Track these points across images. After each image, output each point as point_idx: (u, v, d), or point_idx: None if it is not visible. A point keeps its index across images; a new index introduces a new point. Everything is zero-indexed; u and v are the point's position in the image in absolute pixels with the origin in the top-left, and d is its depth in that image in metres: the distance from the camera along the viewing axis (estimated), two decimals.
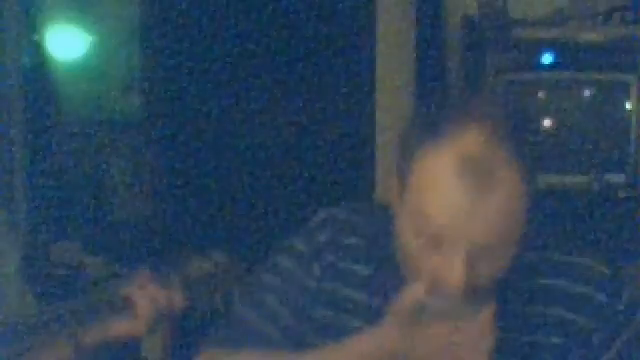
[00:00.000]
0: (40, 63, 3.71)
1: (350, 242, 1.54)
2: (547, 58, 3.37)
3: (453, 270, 1.33)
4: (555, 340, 1.44)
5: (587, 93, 3.32)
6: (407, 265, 1.41)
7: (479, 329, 1.34)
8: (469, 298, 1.35)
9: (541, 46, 3.36)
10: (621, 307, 1.46)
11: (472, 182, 1.30)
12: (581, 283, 1.46)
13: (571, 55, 3.34)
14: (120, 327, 1.62)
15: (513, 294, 1.44)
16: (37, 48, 3.70)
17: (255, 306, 1.57)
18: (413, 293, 1.36)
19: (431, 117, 1.37)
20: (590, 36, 3.32)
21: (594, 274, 1.47)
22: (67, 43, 3.77)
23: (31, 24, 3.68)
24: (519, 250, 1.38)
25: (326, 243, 1.54)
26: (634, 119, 3.23)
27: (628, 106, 3.25)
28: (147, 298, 1.61)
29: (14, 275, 1.80)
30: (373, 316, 1.46)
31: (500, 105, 1.41)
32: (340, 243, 1.54)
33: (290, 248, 1.58)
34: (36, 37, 3.70)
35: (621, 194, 3.23)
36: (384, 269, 1.49)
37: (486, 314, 1.34)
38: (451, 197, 1.31)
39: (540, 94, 3.37)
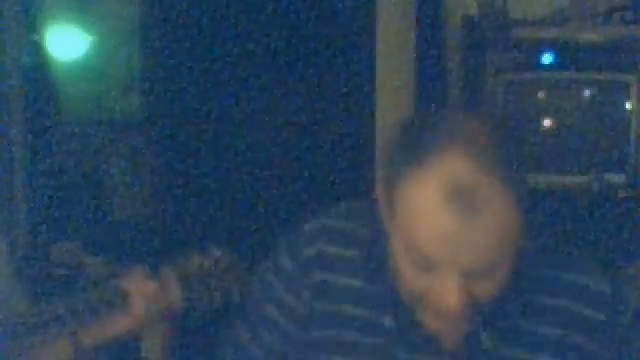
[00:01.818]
0: (40, 63, 3.71)
1: (342, 253, 1.51)
2: (547, 58, 3.36)
3: (448, 296, 1.31)
4: (554, 358, 1.44)
5: (587, 93, 3.32)
6: (401, 286, 1.39)
7: None
8: (465, 317, 1.34)
9: (541, 46, 3.36)
10: (622, 327, 1.45)
11: (459, 208, 1.27)
12: (581, 302, 1.44)
13: (571, 55, 3.34)
14: (116, 324, 1.62)
15: (511, 310, 1.43)
16: (37, 48, 3.70)
17: (252, 335, 1.58)
18: None
19: (413, 140, 1.33)
20: (590, 36, 3.32)
21: (594, 292, 1.45)
22: (67, 43, 3.77)
23: (31, 24, 3.68)
24: (515, 265, 1.37)
25: (314, 258, 1.52)
26: (634, 119, 3.23)
27: (628, 106, 3.25)
28: (141, 294, 1.61)
29: (14, 275, 1.80)
30: (369, 330, 1.46)
31: (486, 122, 1.36)
32: (330, 255, 1.52)
33: (279, 268, 1.56)
34: (36, 37, 3.70)
35: (621, 194, 3.23)
36: (378, 281, 1.47)
37: None
38: (439, 225, 1.28)
39: (540, 94, 3.37)
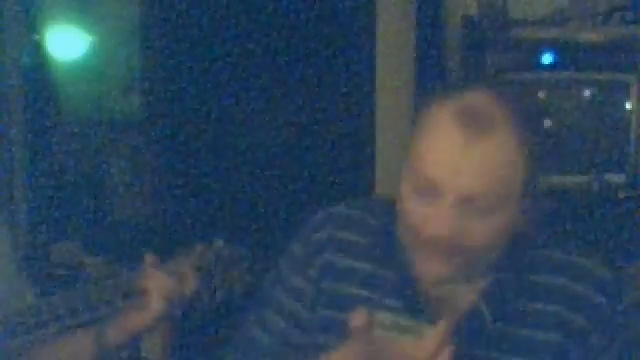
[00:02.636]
0: (40, 63, 3.71)
1: (350, 238, 1.55)
2: (547, 58, 3.36)
3: (439, 222, 1.35)
4: (553, 338, 1.45)
5: (587, 93, 3.32)
6: (403, 225, 1.43)
7: (433, 345, 1.34)
8: (452, 257, 1.36)
9: (541, 46, 3.36)
10: (620, 309, 1.47)
11: (465, 133, 1.34)
12: (581, 283, 1.46)
13: (571, 55, 3.34)
14: (135, 320, 1.62)
15: (512, 289, 1.44)
16: (37, 48, 3.70)
17: (262, 325, 1.60)
18: (362, 315, 1.36)
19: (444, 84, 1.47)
20: (590, 36, 3.31)
21: (595, 275, 1.48)
22: (67, 43, 3.77)
23: (31, 24, 3.68)
24: (517, 242, 1.38)
25: (324, 241, 1.56)
26: (634, 119, 3.23)
27: (628, 106, 3.25)
28: (158, 288, 1.61)
29: (14, 275, 1.80)
30: (376, 310, 1.46)
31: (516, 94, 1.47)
32: (339, 240, 1.55)
33: (289, 254, 1.60)
34: (36, 37, 3.70)
35: (621, 194, 3.23)
36: (385, 267, 1.49)
37: (439, 329, 1.34)
38: (443, 146, 1.35)
39: (540, 94, 3.37)
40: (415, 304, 1.45)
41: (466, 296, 1.40)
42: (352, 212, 1.58)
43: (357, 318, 1.36)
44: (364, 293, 1.50)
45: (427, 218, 1.37)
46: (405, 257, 1.44)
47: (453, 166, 1.34)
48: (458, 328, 1.41)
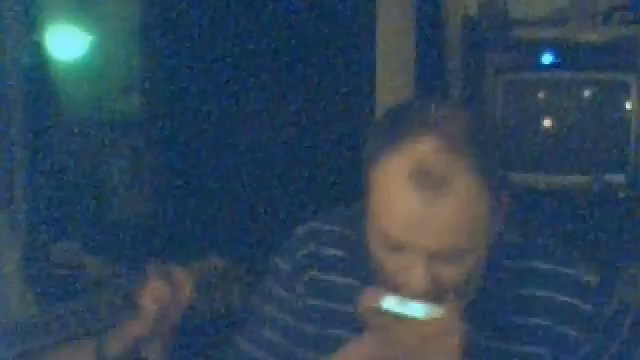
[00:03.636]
0: (40, 63, 3.71)
1: (333, 254, 1.55)
2: (547, 58, 3.37)
3: (414, 276, 1.34)
4: (543, 352, 1.44)
5: (587, 93, 3.32)
6: (377, 272, 1.42)
7: (443, 328, 1.34)
8: (435, 301, 1.35)
9: (541, 46, 3.36)
10: (609, 316, 1.46)
11: (424, 189, 1.31)
12: (567, 293, 1.45)
13: (571, 55, 3.34)
14: (131, 330, 1.62)
15: (498, 304, 1.44)
16: (37, 48, 3.70)
17: (252, 338, 1.60)
18: (371, 295, 1.36)
19: (386, 126, 1.38)
20: (590, 36, 3.32)
21: (579, 283, 1.46)
22: (67, 43, 3.77)
23: (31, 24, 3.68)
24: (488, 254, 1.38)
25: (308, 257, 1.56)
26: (634, 119, 3.23)
27: (628, 106, 3.25)
28: (152, 296, 1.61)
29: (14, 275, 1.80)
30: (360, 326, 1.46)
31: (461, 111, 1.39)
32: (322, 256, 1.55)
33: (275, 269, 1.60)
34: (36, 37, 3.69)
35: (621, 194, 3.23)
36: (369, 280, 1.48)
37: (449, 313, 1.34)
38: (404, 206, 1.32)
39: (540, 94, 3.37)
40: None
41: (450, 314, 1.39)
42: (332, 227, 1.57)
43: (367, 298, 1.36)
44: (348, 309, 1.49)
45: (402, 272, 1.36)
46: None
47: (417, 227, 1.32)
48: None
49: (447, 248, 1.33)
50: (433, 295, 1.35)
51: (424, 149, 1.32)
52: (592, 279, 1.47)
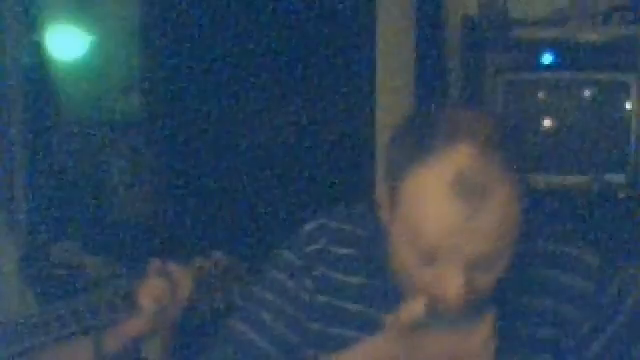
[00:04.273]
0: (40, 63, 3.71)
1: (342, 252, 1.54)
2: (547, 58, 3.36)
3: (451, 286, 1.34)
4: (546, 331, 1.45)
5: (587, 93, 3.32)
6: (402, 280, 1.41)
7: (479, 339, 1.35)
8: (468, 311, 1.35)
9: (541, 46, 3.36)
10: (610, 296, 1.47)
11: (464, 198, 1.31)
12: (570, 273, 1.47)
13: (571, 55, 3.34)
14: (129, 327, 1.62)
15: (510, 286, 1.44)
16: (37, 48, 3.70)
17: (250, 322, 1.58)
18: (412, 310, 1.36)
19: (418, 135, 1.36)
20: (590, 36, 3.31)
21: (582, 262, 1.48)
22: (67, 43, 3.77)
23: (31, 24, 3.68)
24: (513, 254, 1.38)
25: (317, 253, 1.55)
26: (634, 119, 3.23)
27: (628, 106, 3.25)
28: (150, 294, 1.61)
29: (14, 275, 1.80)
30: (369, 327, 1.46)
31: (490, 117, 1.40)
32: (332, 253, 1.55)
33: (282, 260, 1.59)
34: (36, 37, 3.69)
35: (621, 194, 3.23)
36: (378, 279, 1.49)
37: (486, 323, 1.35)
38: (444, 214, 1.32)
39: (540, 94, 3.37)
40: None
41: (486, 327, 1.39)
42: (343, 225, 1.57)
43: (406, 315, 1.35)
44: (357, 308, 1.50)
45: (433, 283, 1.35)
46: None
47: (458, 236, 1.32)
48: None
49: (485, 257, 1.34)
50: (467, 304, 1.35)
51: (462, 157, 1.32)
52: (595, 259, 1.49)
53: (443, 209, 1.31)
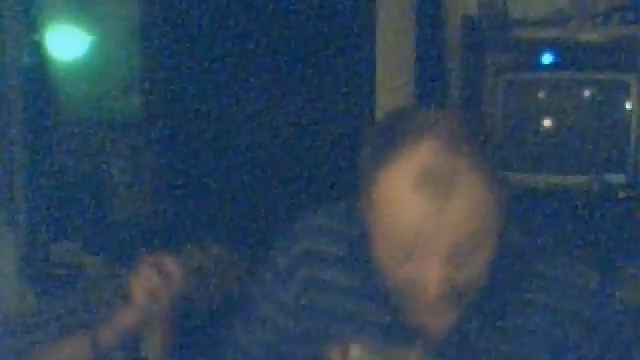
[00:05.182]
0: (40, 63, 3.71)
1: (328, 250, 1.55)
2: (547, 58, 3.36)
3: (430, 280, 1.35)
4: (542, 354, 1.45)
5: (587, 93, 3.32)
6: (385, 279, 1.42)
7: None
8: (449, 305, 1.36)
9: (541, 46, 3.36)
10: (608, 319, 1.47)
11: (432, 192, 1.32)
12: (568, 299, 1.46)
13: (571, 55, 3.34)
14: (122, 318, 1.62)
15: (499, 305, 1.44)
16: (37, 48, 3.70)
17: (251, 336, 1.60)
18: (340, 349, 1.37)
19: (386, 135, 1.38)
20: (590, 36, 3.31)
21: (581, 289, 1.47)
22: (67, 43, 3.77)
23: (31, 24, 3.68)
24: (497, 254, 1.38)
25: (303, 254, 1.56)
26: (634, 119, 3.23)
27: (628, 106, 3.25)
28: (142, 285, 1.61)
29: (14, 275, 1.80)
30: (358, 322, 1.47)
31: (455, 114, 1.41)
32: (318, 252, 1.55)
33: (272, 264, 1.60)
34: (36, 37, 3.70)
35: (621, 194, 3.23)
36: (366, 275, 1.49)
37: (415, 356, 1.35)
38: (415, 210, 1.33)
39: (540, 94, 3.37)
40: (397, 316, 1.45)
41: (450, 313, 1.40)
42: (328, 222, 1.58)
43: (335, 356, 1.37)
44: (345, 306, 1.50)
45: (412, 280, 1.37)
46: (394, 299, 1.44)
47: (428, 230, 1.33)
48: (444, 345, 1.42)
49: (461, 250, 1.34)
50: (450, 299, 1.36)
51: (426, 153, 1.34)
52: (592, 283, 1.48)
53: (413, 205, 1.33)
